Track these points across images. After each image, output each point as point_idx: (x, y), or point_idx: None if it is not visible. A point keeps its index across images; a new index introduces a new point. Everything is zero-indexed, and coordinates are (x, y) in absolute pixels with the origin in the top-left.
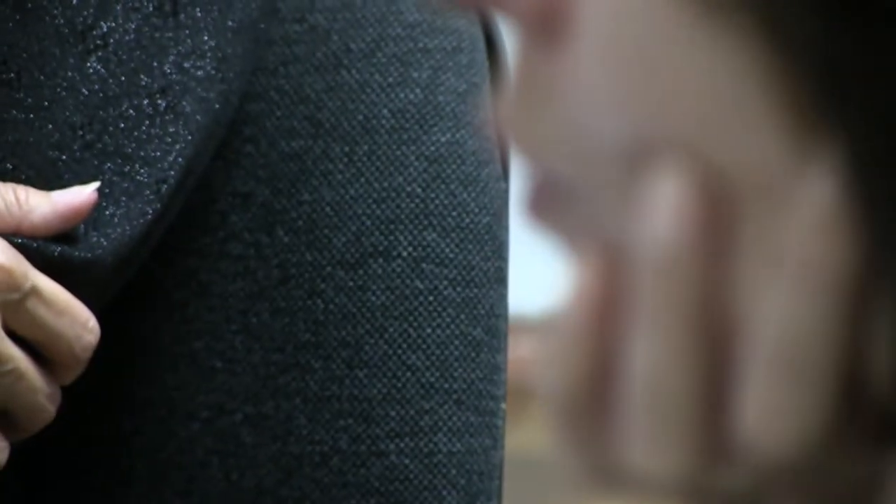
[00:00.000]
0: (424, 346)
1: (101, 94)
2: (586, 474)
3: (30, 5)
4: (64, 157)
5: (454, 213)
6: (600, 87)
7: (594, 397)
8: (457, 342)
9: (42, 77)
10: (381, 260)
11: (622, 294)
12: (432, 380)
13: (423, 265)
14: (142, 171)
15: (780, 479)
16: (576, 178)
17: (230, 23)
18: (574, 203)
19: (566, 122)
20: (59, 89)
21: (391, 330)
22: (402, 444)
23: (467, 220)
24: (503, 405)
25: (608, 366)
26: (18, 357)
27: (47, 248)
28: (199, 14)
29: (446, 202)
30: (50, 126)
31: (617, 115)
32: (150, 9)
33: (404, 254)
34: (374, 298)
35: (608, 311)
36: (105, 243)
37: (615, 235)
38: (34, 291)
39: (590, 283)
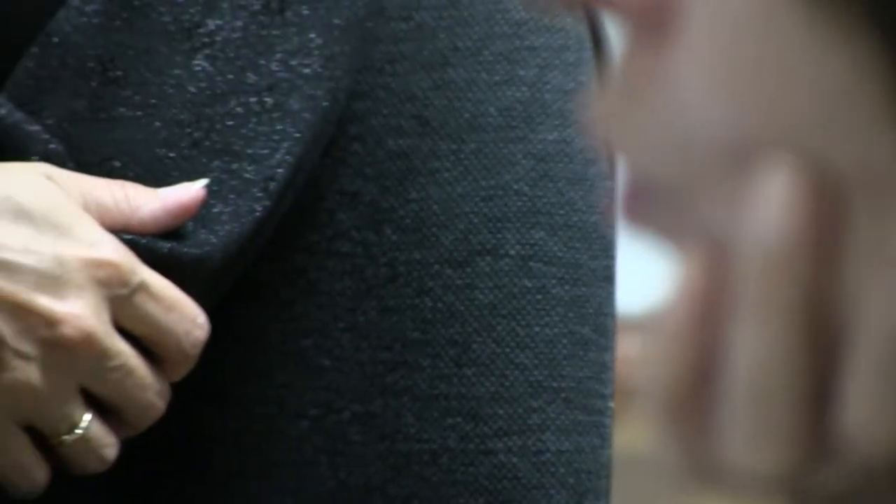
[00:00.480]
0: (532, 345)
1: (208, 92)
2: (688, 472)
3: (136, 3)
4: (172, 154)
5: (562, 212)
6: (707, 83)
7: (696, 394)
8: (565, 341)
9: (149, 75)
10: (488, 258)
11: (725, 291)
12: (540, 378)
13: (531, 263)
14: (249, 168)
15: (881, 479)
16: (677, 175)
17: (337, 21)
18: (674, 201)
19: (670, 119)
20: (166, 87)
21: (499, 328)
22: (510, 443)
23: (575, 219)
24: (611, 404)
25: (711, 363)
26: (127, 353)
27: (156, 244)
28: (305, 12)
29: (554, 200)
30: (157, 124)
31: (724, 112)
32: (257, 6)
33: (512, 252)
34: (481, 297)
35: (711, 308)
36: (214, 240)
37: (718, 232)
38: (143, 287)
39: (693, 280)
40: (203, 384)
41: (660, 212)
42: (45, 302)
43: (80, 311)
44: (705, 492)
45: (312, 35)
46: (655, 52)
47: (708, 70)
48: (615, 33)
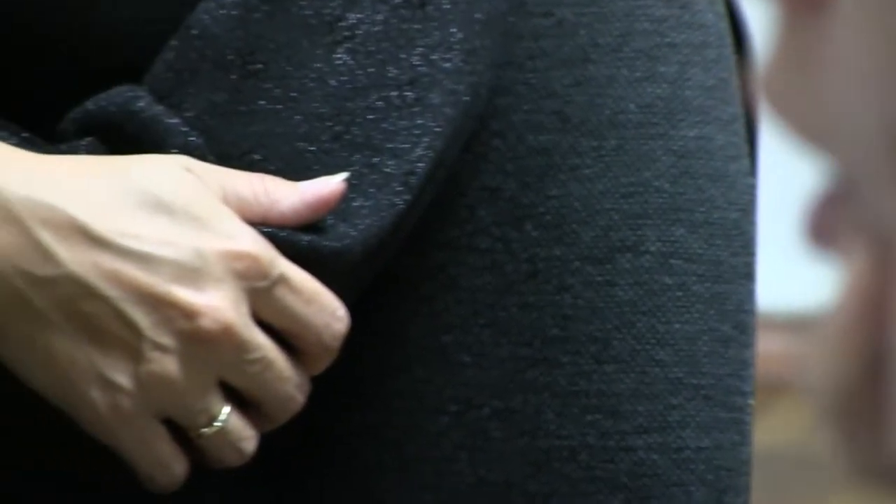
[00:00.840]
0: (672, 342)
1: (348, 86)
2: (858, 470)
3: None
4: (312, 148)
5: (702, 209)
6: (861, 68)
7: (867, 392)
8: (705, 338)
9: (289, 68)
10: (629, 255)
11: (893, 286)
12: (680, 375)
13: (672, 260)
14: (390, 162)
15: None
16: (844, 166)
17: (478, 15)
18: (844, 195)
19: (829, 100)
20: (306, 80)
21: (639, 325)
22: (650, 440)
23: (716, 216)
24: (751, 401)
25: (881, 360)
26: (267, 346)
27: (296, 237)
28: (446, 6)
29: (694, 197)
30: (298, 117)
31: (881, 92)
32: (398, 0)
33: (652, 249)
34: (621, 293)
35: (880, 304)
36: (354, 234)
37: (885, 225)
38: (282, 279)
39: (861, 277)
40: (342, 378)
41: (836, 209)
42: (183, 294)
43: (218, 303)
44: (874, 489)
45: (453, 29)
46: (811, 31)
47: (861, 54)
48: (756, 23)
